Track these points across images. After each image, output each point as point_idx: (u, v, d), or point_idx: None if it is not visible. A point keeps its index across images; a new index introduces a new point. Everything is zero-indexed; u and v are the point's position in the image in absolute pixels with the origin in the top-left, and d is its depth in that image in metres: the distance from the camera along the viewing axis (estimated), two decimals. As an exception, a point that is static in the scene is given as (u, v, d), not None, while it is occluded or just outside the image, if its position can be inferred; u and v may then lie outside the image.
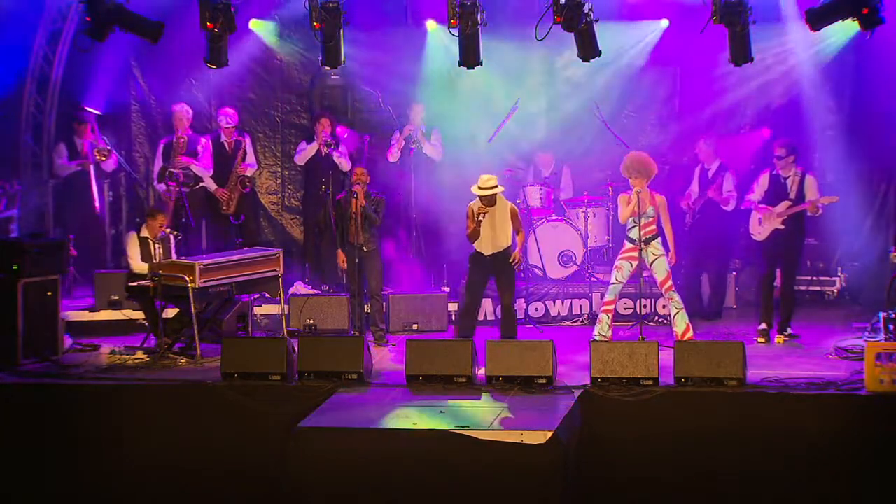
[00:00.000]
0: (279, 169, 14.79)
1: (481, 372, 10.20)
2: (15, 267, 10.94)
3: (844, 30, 12.26)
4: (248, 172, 13.73)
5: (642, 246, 11.08)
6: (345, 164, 13.41)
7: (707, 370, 9.77)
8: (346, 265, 11.97)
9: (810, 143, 13.27)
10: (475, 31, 11.47)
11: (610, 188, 13.28)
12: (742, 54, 11.31)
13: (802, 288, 13.11)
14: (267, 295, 12.14)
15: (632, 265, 11.23)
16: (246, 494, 9.87)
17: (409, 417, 9.26)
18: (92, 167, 13.62)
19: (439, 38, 13.63)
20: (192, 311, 10.96)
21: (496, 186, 11.02)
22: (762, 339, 11.51)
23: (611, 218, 13.33)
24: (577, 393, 9.77)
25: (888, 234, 13.25)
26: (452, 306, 12.71)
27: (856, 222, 13.51)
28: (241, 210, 13.67)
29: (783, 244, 11.61)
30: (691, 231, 12.75)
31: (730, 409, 9.57)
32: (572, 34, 11.35)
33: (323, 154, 13.43)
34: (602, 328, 11.25)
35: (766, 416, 9.48)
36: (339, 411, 9.52)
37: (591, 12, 11.26)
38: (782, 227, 11.56)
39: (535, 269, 13.19)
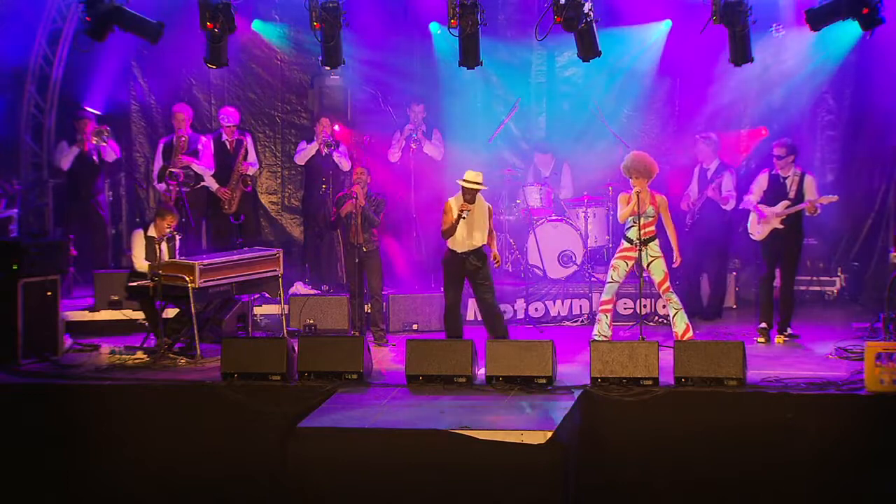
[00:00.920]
0: (279, 169, 14.80)
1: (481, 372, 10.18)
2: (15, 267, 10.92)
3: (847, 36, 12.30)
4: (250, 171, 13.73)
5: (640, 247, 11.08)
6: (345, 164, 13.40)
7: (707, 370, 9.75)
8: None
9: (810, 143, 13.27)
10: (475, 31, 11.49)
11: (610, 188, 13.28)
12: (742, 55, 11.33)
13: (802, 288, 13.11)
14: (267, 295, 12.12)
15: (627, 264, 11.21)
16: (246, 494, 9.84)
17: (410, 417, 9.25)
18: (94, 156, 13.56)
19: (440, 38, 13.64)
20: (192, 311, 10.95)
21: (481, 184, 11.02)
22: (762, 339, 11.50)
23: (611, 218, 13.32)
24: (577, 393, 9.75)
25: (888, 234, 13.26)
26: (452, 306, 12.72)
27: (856, 222, 13.53)
28: (242, 210, 13.67)
29: (782, 244, 11.61)
30: (691, 231, 12.75)
31: (730, 409, 9.55)
32: (572, 34, 11.36)
33: (323, 154, 13.42)
34: (602, 328, 11.25)
35: (766, 416, 9.46)
36: (339, 411, 9.49)
37: (591, 12, 11.26)
38: (781, 227, 11.56)
39: (535, 269, 13.18)
